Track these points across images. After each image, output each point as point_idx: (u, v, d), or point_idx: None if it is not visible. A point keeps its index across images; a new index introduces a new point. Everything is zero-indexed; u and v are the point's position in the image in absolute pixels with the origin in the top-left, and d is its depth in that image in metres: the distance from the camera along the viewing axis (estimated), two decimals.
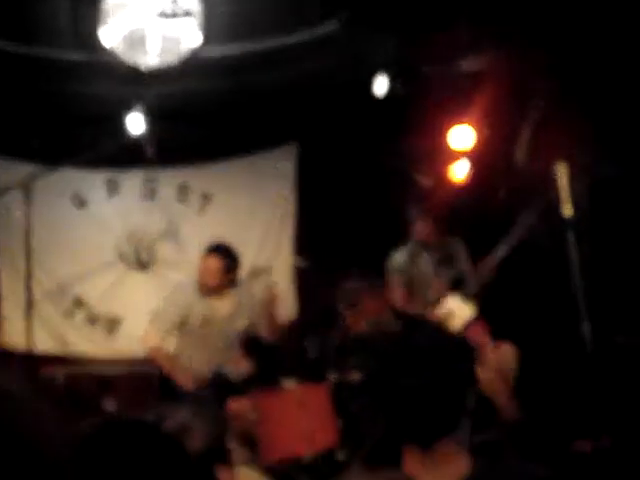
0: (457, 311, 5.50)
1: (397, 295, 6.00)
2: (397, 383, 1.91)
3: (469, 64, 6.01)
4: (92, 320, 6.68)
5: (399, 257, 6.16)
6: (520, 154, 6.58)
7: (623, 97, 5.54)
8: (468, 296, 5.55)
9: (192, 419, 2.09)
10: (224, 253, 5.44)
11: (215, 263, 5.39)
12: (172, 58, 4.83)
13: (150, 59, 4.74)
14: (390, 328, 6.28)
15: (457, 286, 5.68)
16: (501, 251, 5.47)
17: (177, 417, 2.09)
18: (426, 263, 5.99)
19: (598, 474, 3.79)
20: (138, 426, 1.54)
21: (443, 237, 6.05)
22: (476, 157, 6.73)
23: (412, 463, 1.91)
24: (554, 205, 4.80)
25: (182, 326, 5.46)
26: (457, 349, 1.99)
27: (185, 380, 5.27)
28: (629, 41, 5.12)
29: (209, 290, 5.43)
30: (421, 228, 6.02)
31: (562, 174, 4.40)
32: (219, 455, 2.09)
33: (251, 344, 5.80)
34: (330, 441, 4.56)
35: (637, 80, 5.38)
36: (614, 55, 5.33)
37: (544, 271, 5.46)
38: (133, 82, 5.55)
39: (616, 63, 5.39)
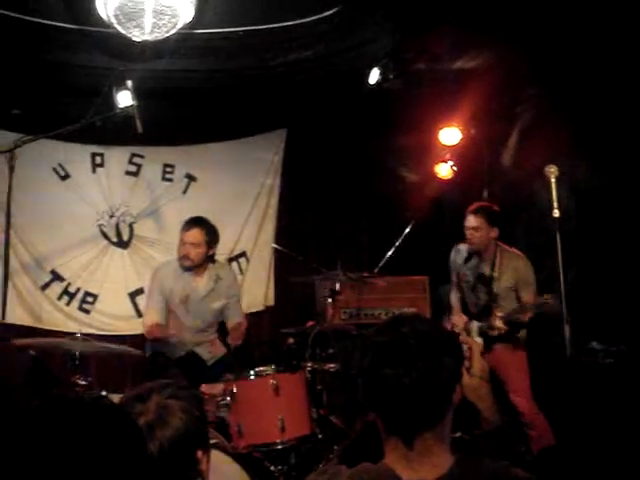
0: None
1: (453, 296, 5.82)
2: (379, 374, 1.86)
3: (460, 64, 6.02)
4: (68, 295, 6.60)
5: (454, 254, 5.80)
6: (507, 157, 6.60)
7: (608, 108, 5.57)
8: (486, 329, 5.39)
9: (169, 399, 2.05)
10: (205, 225, 5.43)
11: (197, 235, 5.36)
12: (165, 33, 4.78)
13: (143, 32, 4.69)
14: (369, 319, 6.29)
15: (483, 313, 5.50)
16: None
17: (154, 397, 2.05)
18: (471, 273, 5.63)
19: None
20: (87, 406, 1.42)
21: (495, 252, 5.50)
22: (462, 155, 6.77)
23: (393, 456, 1.88)
24: (539, 206, 4.82)
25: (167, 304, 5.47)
26: (445, 343, 1.96)
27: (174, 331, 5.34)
28: (616, 52, 5.14)
29: (192, 263, 5.40)
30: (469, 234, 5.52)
31: (552, 175, 4.40)
32: (199, 437, 2.05)
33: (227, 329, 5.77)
34: (303, 429, 4.55)
35: (623, 92, 5.41)
36: (601, 66, 5.36)
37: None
38: (125, 56, 5.49)
39: (602, 74, 5.43)
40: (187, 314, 5.46)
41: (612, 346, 5.15)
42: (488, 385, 2.25)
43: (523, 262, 5.41)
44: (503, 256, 5.45)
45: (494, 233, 5.42)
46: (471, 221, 5.44)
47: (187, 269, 5.45)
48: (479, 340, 5.32)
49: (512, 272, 5.38)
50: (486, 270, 5.46)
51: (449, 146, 6.80)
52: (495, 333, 5.29)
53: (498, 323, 5.25)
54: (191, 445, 2.02)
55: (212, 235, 5.45)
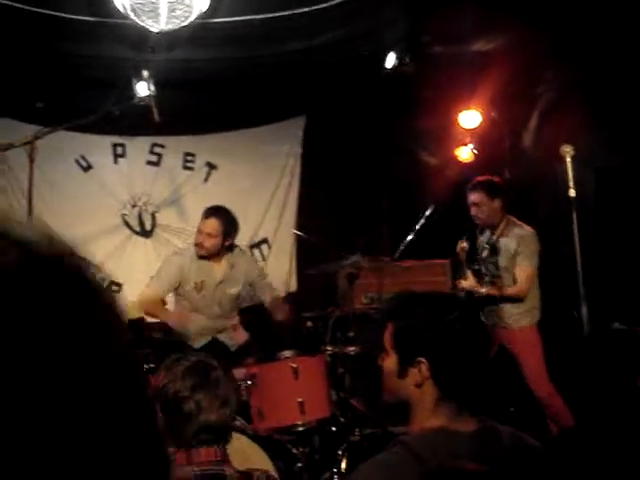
0: None
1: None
2: (469, 345, 2.03)
3: (478, 46, 6.00)
4: None
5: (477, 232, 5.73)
6: (527, 138, 6.58)
7: (629, 87, 5.53)
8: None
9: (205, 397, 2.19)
10: (223, 216, 5.34)
11: (214, 225, 5.27)
12: (181, 23, 4.83)
13: (160, 23, 4.74)
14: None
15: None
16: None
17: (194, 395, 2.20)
18: (482, 248, 5.57)
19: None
20: None
21: (502, 225, 5.42)
22: (482, 138, 6.75)
23: (443, 419, 2.01)
24: (559, 187, 4.80)
25: (179, 288, 5.44)
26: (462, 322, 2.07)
27: (184, 320, 5.31)
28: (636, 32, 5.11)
29: (206, 252, 5.35)
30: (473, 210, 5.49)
31: (567, 155, 4.39)
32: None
33: (248, 314, 5.81)
34: (323, 412, 4.59)
35: None
36: (621, 45, 5.32)
37: (547, 253, 5.40)
38: (142, 47, 5.54)
39: (622, 53, 5.39)
40: (201, 300, 5.45)
41: (634, 326, 5.13)
42: None
43: (529, 233, 5.32)
44: (509, 224, 5.38)
45: (497, 204, 5.36)
46: (471, 198, 5.41)
47: (202, 257, 5.41)
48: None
49: (515, 238, 5.30)
50: (492, 238, 5.43)
51: (469, 129, 6.78)
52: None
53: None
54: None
55: (230, 226, 5.34)
